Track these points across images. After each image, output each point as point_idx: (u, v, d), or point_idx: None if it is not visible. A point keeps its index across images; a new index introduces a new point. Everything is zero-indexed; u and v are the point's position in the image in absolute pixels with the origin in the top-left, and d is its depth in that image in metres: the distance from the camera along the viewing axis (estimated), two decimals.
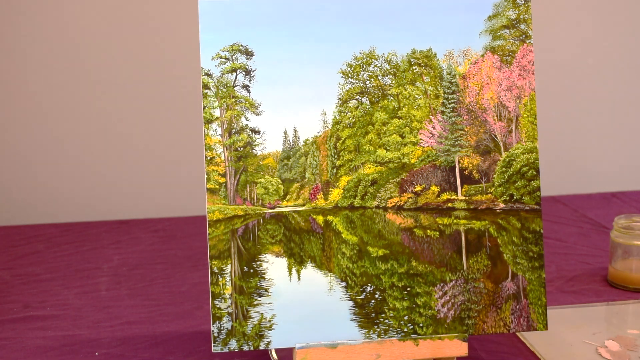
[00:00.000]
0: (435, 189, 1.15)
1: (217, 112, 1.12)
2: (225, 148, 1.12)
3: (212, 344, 1.09)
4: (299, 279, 1.12)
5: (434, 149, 1.15)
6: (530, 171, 1.15)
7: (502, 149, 1.16)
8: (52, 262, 1.59)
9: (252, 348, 1.09)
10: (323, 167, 1.15)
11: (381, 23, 1.14)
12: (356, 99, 1.15)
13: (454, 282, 1.14)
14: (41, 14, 1.94)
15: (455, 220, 1.15)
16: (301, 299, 1.11)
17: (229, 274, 1.10)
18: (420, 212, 1.15)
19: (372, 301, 1.12)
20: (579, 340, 1.23)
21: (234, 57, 1.11)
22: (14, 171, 2.01)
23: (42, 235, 1.75)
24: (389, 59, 1.14)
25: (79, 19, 1.95)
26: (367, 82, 1.14)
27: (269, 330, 1.09)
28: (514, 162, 1.15)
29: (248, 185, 1.13)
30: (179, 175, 2.05)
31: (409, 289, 1.13)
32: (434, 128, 1.15)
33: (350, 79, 1.14)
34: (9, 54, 1.95)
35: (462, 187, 1.15)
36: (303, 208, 1.14)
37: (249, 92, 1.12)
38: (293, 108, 1.12)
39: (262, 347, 1.09)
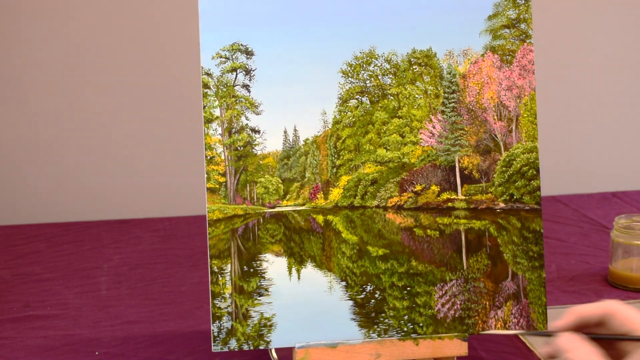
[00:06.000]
0: (435, 188, 1.15)
1: (217, 112, 1.12)
2: (225, 147, 1.12)
3: (212, 344, 1.09)
4: (299, 278, 1.12)
5: (434, 148, 1.15)
6: (531, 171, 1.15)
7: (502, 149, 1.16)
8: (53, 262, 1.59)
9: (252, 347, 1.09)
10: (323, 167, 1.15)
11: (381, 23, 1.14)
12: (356, 99, 1.15)
13: (454, 281, 1.14)
14: (40, 13, 1.93)
15: (455, 220, 1.15)
16: (301, 299, 1.11)
17: (229, 273, 1.10)
18: (420, 212, 1.15)
19: (372, 301, 1.12)
20: None
21: (234, 57, 1.11)
22: (14, 171, 2.01)
23: (42, 235, 1.75)
24: (389, 59, 1.14)
25: (79, 18, 1.95)
26: (367, 81, 1.14)
27: (269, 329, 1.09)
28: (514, 161, 1.15)
29: (248, 185, 1.13)
30: (179, 175, 2.05)
31: (409, 288, 1.13)
32: (434, 127, 1.15)
33: (350, 79, 1.14)
34: (9, 54, 1.95)
35: (462, 187, 1.15)
36: (303, 207, 1.14)
37: (249, 91, 1.12)
38: (293, 108, 1.12)
39: (262, 347, 1.09)
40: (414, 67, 1.15)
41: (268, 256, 1.11)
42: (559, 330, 0.94)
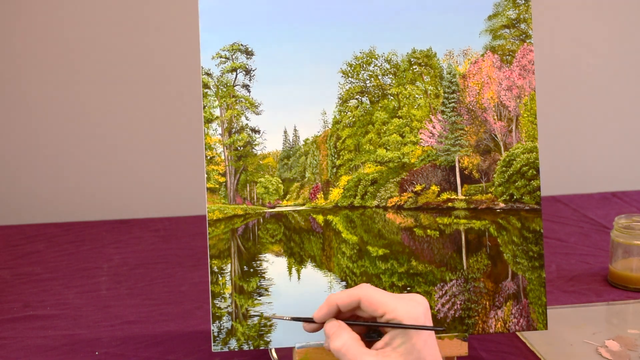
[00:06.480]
0: (435, 188, 1.15)
1: (217, 112, 1.12)
2: (225, 147, 1.12)
3: (212, 344, 1.09)
4: (299, 278, 1.12)
5: (434, 148, 1.15)
6: (531, 171, 1.15)
7: (502, 149, 1.16)
8: (53, 262, 1.59)
9: (252, 347, 1.09)
10: (323, 167, 1.15)
11: (381, 23, 1.14)
12: (356, 99, 1.15)
13: (454, 281, 1.14)
14: (40, 13, 1.93)
15: (455, 220, 1.15)
16: (301, 299, 1.11)
17: (229, 273, 1.10)
18: (420, 212, 1.15)
19: None
20: (579, 340, 1.23)
21: (234, 57, 1.11)
22: (14, 171, 2.01)
23: (42, 235, 1.75)
24: (389, 59, 1.14)
25: (78, 18, 1.95)
26: (367, 81, 1.14)
27: (269, 329, 1.09)
28: (514, 161, 1.15)
29: (248, 185, 1.13)
30: (179, 175, 2.05)
31: (409, 288, 1.13)
32: (434, 127, 1.15)
33: (350, 79, 1.14)
34: (9, 54, 1.95)
35: (462, 187, 1.15)
36: (303, 207, 1.14)
37: (249, 91, 1.12)
38: (293, 108, 1.12)
39: (262, 347, 1.09)
40: (414, 67, 1.15)
41: (268, 256, 1.11)
42: (320, 320, 0.97)
